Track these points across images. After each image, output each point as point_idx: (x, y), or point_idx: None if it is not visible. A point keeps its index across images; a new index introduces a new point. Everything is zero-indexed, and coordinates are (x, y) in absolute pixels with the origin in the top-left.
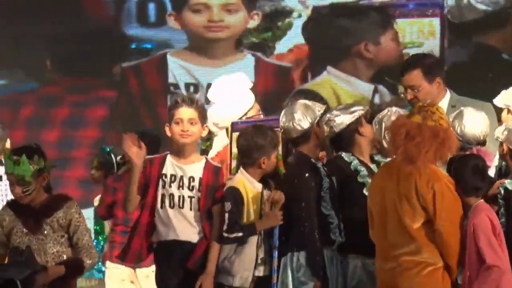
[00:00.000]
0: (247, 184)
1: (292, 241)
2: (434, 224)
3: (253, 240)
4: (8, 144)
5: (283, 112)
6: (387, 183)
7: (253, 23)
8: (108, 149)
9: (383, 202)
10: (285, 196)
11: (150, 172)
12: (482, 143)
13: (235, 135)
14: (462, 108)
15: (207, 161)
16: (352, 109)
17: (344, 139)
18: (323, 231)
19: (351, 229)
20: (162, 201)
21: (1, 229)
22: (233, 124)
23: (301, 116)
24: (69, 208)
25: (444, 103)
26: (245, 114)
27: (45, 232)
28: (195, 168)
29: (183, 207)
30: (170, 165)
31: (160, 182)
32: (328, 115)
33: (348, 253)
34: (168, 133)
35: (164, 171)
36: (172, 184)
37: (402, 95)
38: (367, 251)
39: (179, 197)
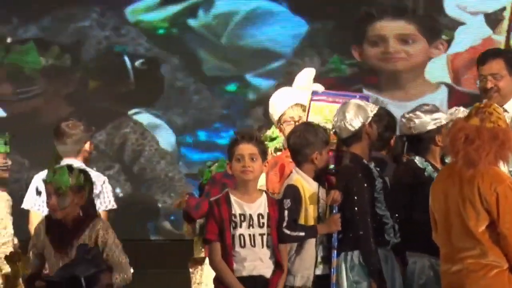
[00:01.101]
0: (304, 183)
1: (345, 241)
2: (498, 227)
3: (312, 239)
4: (87, 146)
5: (336, 111)
6: (449, 187)
7: (438, 52)
8: None
9: (446, 206)
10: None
11: (221, 214)
12: None
13: (313, 104)
14: None
15: (267, 195)
16: (436, 115)
17: (420, 142)
18: (378, 231)
19: (422, 232)
20: (233, 242)
21: (37, 242)
22: (313, 93)
23: (353, 116)
24: (95, 226)
25: None
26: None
27: (71, 253)
28: (260, 204)
29: (255, 245)
30: (237, 205)
31: (231, 224)
32: (410, 114)
33: (417, 252)
34: (229, 171)
35: (233, 211)
36: (242, 224)
37: (479, 84)
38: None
39: (250, 236)
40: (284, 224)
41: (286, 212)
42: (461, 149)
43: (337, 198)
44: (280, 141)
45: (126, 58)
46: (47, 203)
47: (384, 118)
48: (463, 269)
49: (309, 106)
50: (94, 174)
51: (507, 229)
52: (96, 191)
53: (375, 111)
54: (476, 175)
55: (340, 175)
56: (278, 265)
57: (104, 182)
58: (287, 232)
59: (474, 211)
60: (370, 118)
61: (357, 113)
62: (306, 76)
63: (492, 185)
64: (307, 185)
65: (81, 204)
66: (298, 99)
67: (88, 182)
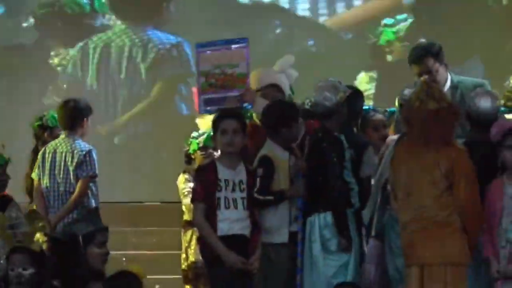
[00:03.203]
0: (276, 153)
1: (319, 203)
2: (454, 190)
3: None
4: (84, 122)
5: (316, 87)
6: (410, 160)
7: None
8: None
9: (408, 176)
10: (313, 165)
11: (209, 179)
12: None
13: (201, 56)
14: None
15: (244, 164)
16: None
17: None
18: (345, 195)
19: None
20: (219, 204)
21: None
22: (197, 45)
23: (328, 94)
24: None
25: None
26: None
27: None
28: (240, 172)
29: (237, 207)
30: (222, 171)
31: (217, 187)
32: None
33: None
34: (213, 143)
35: (219, 177)
36: (226, 188)
37: None
38: None
39: (232, 199)
40: (256, 189)
41: (258, 180)
42: (431, 131)
43: (302, 166)
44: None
45: None
46: None
47: (356, 99)
48: (423, 228)
49: (198, 59)
50: (80, 145)
51: (462, 192)
52: (78, 160)
53: (347, 93)
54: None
55: (313, 147)
56: (255, 226)
57: (88, 152)
58: (258, 197)
59: (431, 177)
60: (343, 98)
61: (332, 92)
62: (285, 61)
63: (450, 153)
64: (279, 155)
65: None
66: (273, 80)
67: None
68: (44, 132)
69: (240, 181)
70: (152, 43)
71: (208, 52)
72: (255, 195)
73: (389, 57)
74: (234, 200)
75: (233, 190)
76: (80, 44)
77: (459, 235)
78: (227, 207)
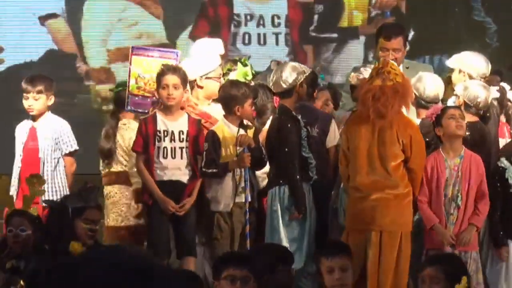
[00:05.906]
0: (225, 128)
1: (279, 177)
2: (409, 163)
3: (230, 174)
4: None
5: (275, 68)
6: (365, 132)
7: None
8: None
9: (361, 147)
10: (272, 141)
11: (147, 130)
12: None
13: (134, 58)
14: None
15: (188, 115)
16: None
17: None
18: (304, 169)
19: None
20: (158, 153)
21: None
22: (132, 48)
23: (287, 74)
24: None
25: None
26: (206, 74)
27: None
28: (181, 123)
29: (175, 157)
30: (162, 123)
31: (156, 138)
32: None
33: None
34: (156, 96)
35: (158, 128)
36: (165, 138)
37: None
38: None
39: (171, 148)
40: (202, 164)
41: (204, 154)
42: (370, 105)
43: (244, 140)
44: None
45: None
46: None
47: (315, 81)
48: (385, 198)
49: (131, 60)
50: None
51: (416, 164)
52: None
53: (307, 74)
54: (392, 123)
55: (272, 124)
56: (194, 174)
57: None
58: (204, 169)
59: (392, 151)
60: (302, 79)
61: (291, 73)
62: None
63: (407, 130)
64: (227, 130)
65: None
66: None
67: None
68: None
69: (181, 131)
70: None
71: (141, 56)
72: (202, 168)
73: None
74: (173, 150)
75: (173, 140)
76: None
77: (411, 207)
78: (165, 157)
